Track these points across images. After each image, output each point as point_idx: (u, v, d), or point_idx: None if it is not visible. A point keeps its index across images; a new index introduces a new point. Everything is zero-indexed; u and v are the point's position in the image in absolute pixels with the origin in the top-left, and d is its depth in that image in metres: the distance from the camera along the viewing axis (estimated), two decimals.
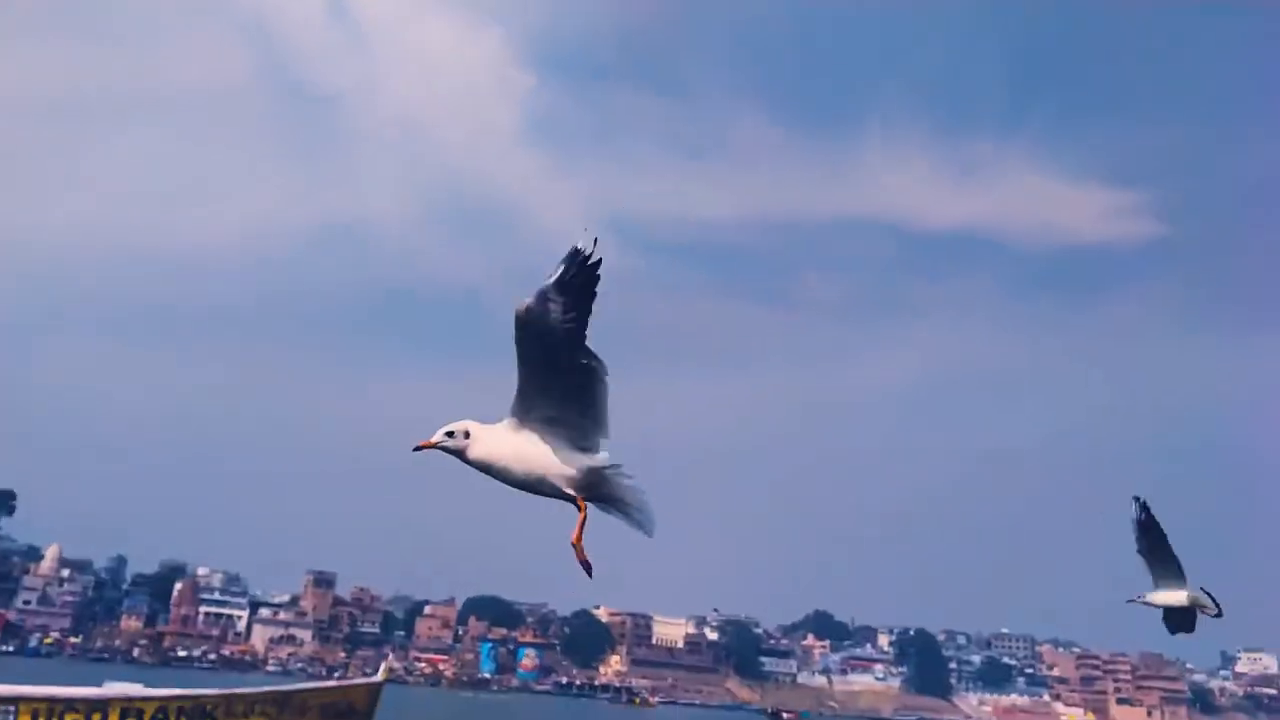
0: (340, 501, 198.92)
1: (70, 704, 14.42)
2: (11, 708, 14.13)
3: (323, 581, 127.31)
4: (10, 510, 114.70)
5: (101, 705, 14.50)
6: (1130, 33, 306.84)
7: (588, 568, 3.84)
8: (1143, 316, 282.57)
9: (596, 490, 3.85)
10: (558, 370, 3.72)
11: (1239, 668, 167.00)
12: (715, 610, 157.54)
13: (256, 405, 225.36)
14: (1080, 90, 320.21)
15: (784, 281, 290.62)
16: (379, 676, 17.07)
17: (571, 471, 3.78)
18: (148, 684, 17.01)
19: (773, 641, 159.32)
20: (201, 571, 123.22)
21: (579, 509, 3.81)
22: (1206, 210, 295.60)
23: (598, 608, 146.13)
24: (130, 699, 14.73)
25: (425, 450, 3.84)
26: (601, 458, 3.86)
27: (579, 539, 3.81)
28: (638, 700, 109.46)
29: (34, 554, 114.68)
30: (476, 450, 3.77)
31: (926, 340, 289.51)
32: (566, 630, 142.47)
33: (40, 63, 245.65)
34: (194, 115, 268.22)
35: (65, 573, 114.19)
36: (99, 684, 15.66)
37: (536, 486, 3.80)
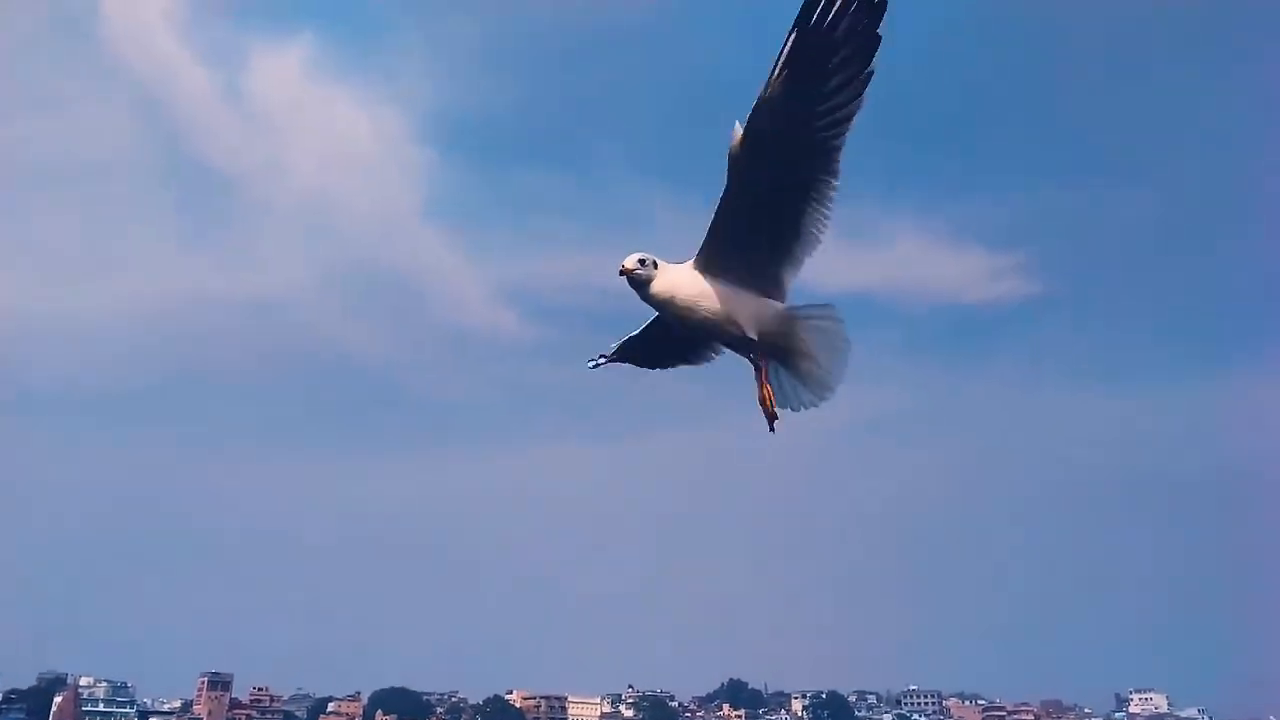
0: (233, 598, 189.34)
1: None
2: None
3: (217, 683, 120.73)
4: None
5: None
6: (1001, 103, 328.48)
7: (771, 420, 3.60)
8: (1029, 372, 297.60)
9: (782, 339, 3.52)
10: (776, 198, 3.34)
11: (1133, 708, 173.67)
12: (630, 687, 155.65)
13: (138, 497, 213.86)
14: (958, 156, 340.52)
15: None
16: None
17: (765, 314, 3.44)
18: None
19: (689, 715, 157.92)
20: (84, 682, 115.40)
21: (756, 366, 3.54)
22: (1079, 267, 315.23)
23: (510, 692, 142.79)
24: None
25: (627, 275, 3.55)
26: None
27: (768, 396, 3.54)
28: None
29: None
30: (661, 284, 3.54)
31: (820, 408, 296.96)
32: (479, 718, 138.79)
33: None
34: (91, 191, 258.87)
35: None
36: None
37: (714, 330, 3.49)
